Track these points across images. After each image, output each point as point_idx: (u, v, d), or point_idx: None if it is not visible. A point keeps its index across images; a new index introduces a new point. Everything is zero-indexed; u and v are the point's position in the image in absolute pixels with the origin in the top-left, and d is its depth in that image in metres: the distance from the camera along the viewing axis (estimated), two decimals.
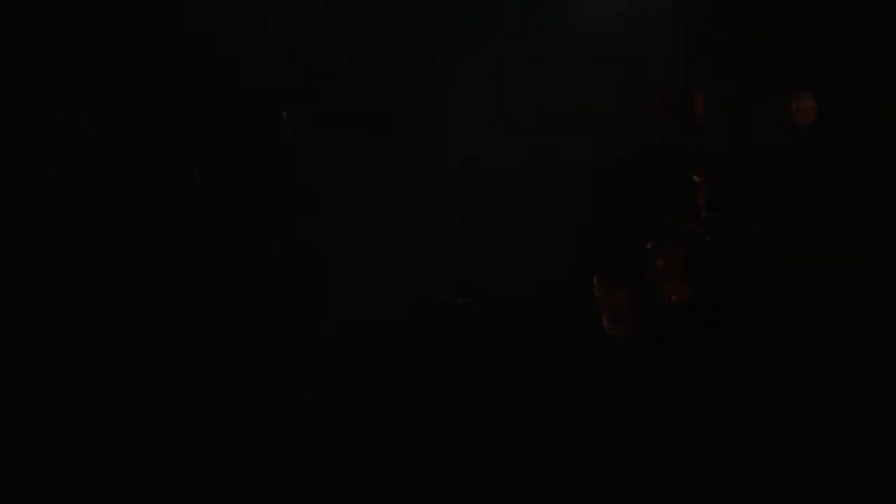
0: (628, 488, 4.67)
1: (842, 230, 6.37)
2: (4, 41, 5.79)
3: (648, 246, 4.77)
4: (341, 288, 5.87)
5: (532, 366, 5.99)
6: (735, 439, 4.55)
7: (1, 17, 5.79)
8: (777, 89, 6.65)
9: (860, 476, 4.88)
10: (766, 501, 4.60)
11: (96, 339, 5.17)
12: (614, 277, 4.75)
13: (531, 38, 6.67)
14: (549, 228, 6.57)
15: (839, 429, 5.32)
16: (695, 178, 4.79)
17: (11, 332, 5.12)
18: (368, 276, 5.92)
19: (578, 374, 5.72)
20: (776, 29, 6.38)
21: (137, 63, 6.01)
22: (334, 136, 6.43)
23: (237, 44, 6.30)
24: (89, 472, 4.78)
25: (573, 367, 5.77)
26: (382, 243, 6.15)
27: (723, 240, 4.55)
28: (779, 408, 5.59)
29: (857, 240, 6.40)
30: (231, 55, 6.27)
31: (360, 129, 6.60)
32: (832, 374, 5.95)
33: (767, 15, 6.35)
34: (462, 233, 6.43)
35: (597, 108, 6.52)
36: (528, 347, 6.11)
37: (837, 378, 5.89)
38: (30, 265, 5.00)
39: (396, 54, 6.58)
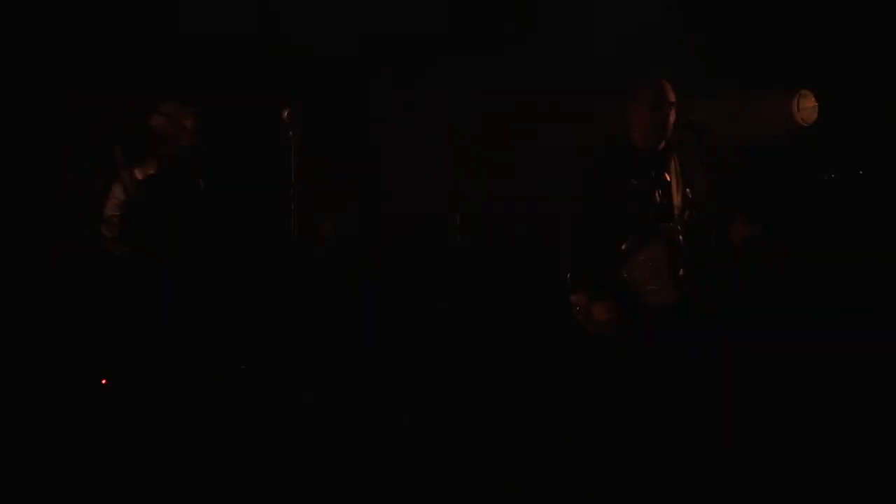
0: (623, 487, 4.68)
1: (839, 231, 6.38)
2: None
3: (624, 247, 4.76)
4: (342, 287, 5.89)
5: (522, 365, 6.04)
6: (714, 437, 4.54)
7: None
8: (777, 89, 6.65)
9: (853, 474, 4.88)
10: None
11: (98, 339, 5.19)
12: (588, 279, 4.75)
13: (518, 36, 6.68)
14: (532, 227, 6.59)
15: (827, 428, 5.34)
16: (666, 176, 4.75)
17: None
18: (367, 276, 5.93)
19: (563, 373, 5.75)
20: (776, 29, 6.37)
21: (139, 62, 6.02)
22: (335, 136, 6.45)
23: (239, 43, 6.32)
24: (91, 470, 4.80)
25: (558, 365, 5.80)
26: (380, 244, 6.17)
27: (699, 240, 4.51)
28: (760, 406, 5.62)
29: (856, 240, 6.41)
30: (233, 55, 6.29)
31: (359, 129, 6.63)
32: (820, 373, 5.97)
33: (767, 15, 6.34)
34: (457, 234, 6.46)
35: (580, 107, 6.55)
36: (518, 347, 6.15)
37: (826, 378, 5.91)
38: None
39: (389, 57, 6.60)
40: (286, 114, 4.71)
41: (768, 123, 6.61)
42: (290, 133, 4.71)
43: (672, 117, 4.72)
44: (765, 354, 6.18)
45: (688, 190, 4.62)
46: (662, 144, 4.75)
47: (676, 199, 4.69)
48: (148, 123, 5.25)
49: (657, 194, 4.70)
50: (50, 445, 5.04)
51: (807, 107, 6.67)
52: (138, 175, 5.17)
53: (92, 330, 5.15)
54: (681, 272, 4.62)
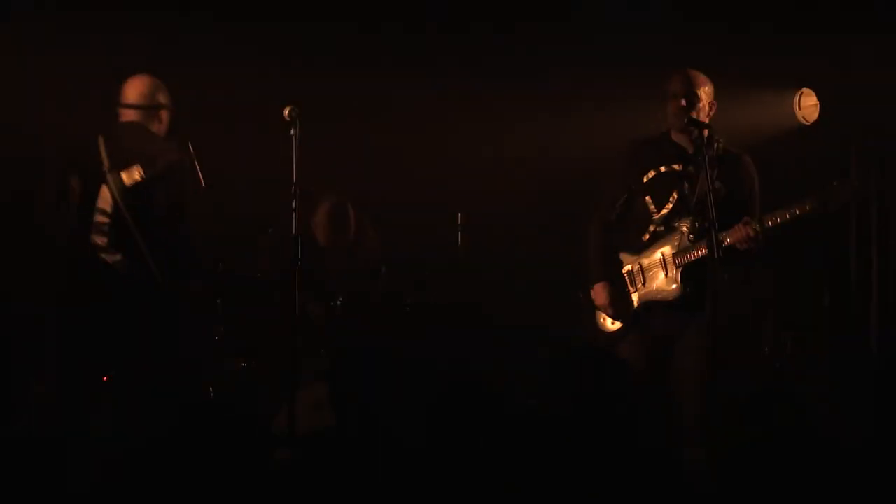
0: (621, 488, 4.68)
1: (839, 231, 6.39)
2: None
3: (629, 243, 4.77)
4: (343, 287, 5.89)
5: (528, 363, 6.03)
6: (718, 434, 4.54)
7: None
8: (778, 89, 6.66)
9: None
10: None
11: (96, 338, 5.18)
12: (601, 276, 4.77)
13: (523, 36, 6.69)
14: (544, 223, 6.60)
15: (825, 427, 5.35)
16: (691, 170, 4.73)
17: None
18: (368, 275, 5.93)
19: (566, 373, 5.75)
20: (776, 29, 6.38)
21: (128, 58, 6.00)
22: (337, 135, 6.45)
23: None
24: (92, 469, 4.80)
25: (565, 364, 5.79)
26: (384, 244, 6.17)
27: (708, 239, 4.50)
28: (760, 406, 5.62)
29: (856, 239, 6.42)
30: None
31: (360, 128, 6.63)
32: (819, 373, 5.99)
33: (767, 14, 6.34)
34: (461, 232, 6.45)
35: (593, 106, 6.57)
36: (522, 346, 6.15)
37: (825, 377, 5.92)
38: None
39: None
40: (286, 112, 4.70)
41: (769, 122, 6.62)
42: (291, 132, 4.70)
43: (700, 104, 4.66)
44: (764, 354, 6.20)
45: (713, 187, 4.51)
46: (696, 136, 4.68)
47: (692, 199, 4.66)
48: (127, 120, 5.06)
49: (678, 190, 4.69)
50: (50, 444, 5.06)
51: (808, 105, 6.69)
52: (125, 179, 5.00)
53: (91, 334, 5.06)
54: (684, 270, 4.62)
